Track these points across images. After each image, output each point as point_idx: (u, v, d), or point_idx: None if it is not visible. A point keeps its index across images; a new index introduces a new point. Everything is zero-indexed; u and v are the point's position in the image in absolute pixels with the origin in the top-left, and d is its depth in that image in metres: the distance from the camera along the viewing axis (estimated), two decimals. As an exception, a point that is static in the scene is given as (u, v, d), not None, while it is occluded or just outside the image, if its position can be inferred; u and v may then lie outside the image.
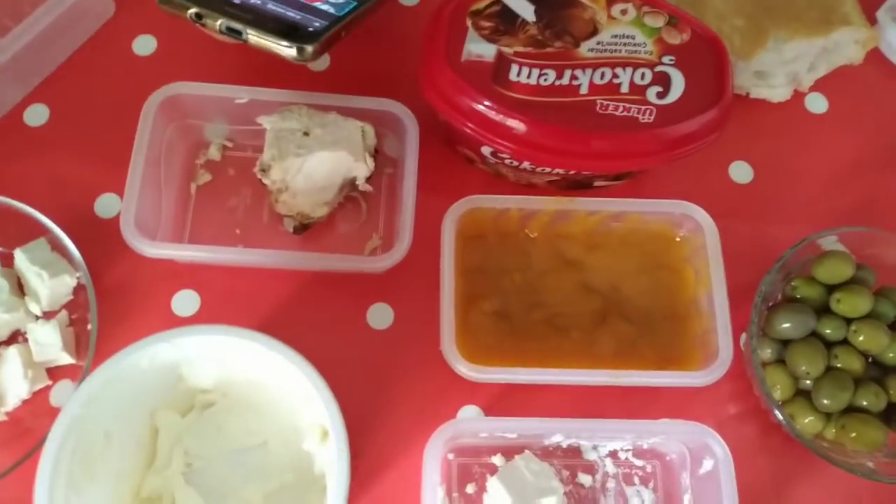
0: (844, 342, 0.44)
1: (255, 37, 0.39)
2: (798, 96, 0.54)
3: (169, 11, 0.40)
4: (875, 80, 0.55)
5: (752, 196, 0.51)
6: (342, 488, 0.35)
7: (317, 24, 0.41)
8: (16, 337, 0.44)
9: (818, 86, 0.54)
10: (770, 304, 0.46)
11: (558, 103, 0.42)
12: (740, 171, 0.52)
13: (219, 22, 0.39)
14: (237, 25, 0.39)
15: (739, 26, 0.48)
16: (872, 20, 0.54)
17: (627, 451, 0.44)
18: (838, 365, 0.43)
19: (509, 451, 0.43)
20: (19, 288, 0.44)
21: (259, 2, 0.41)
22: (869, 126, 0.54)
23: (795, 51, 0.48)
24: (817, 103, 0.54)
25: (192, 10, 0.39)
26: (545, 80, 0.42)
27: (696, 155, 0.48)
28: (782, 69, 0.50)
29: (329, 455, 0.36)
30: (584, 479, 0.43)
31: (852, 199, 0.52)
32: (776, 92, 0.51)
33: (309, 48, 0.39)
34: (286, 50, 0.39)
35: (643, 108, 0.42)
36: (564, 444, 0.43)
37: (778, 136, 0.53)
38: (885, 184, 0.52)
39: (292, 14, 0.41)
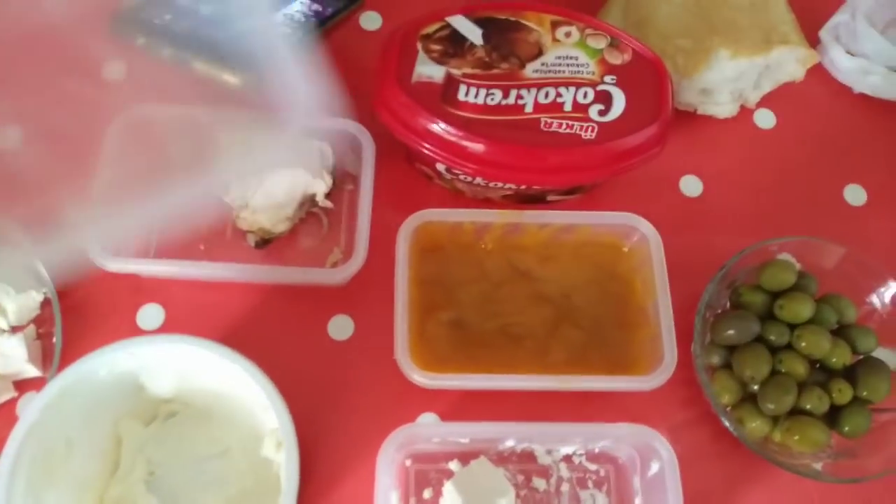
0: (789, 347, 0.45)
1: (203, 66, 0.41)
2: (747, 112, 0.56)
3: (120, 38, 0.42)
4: (820, 95, 0.57)
5: (702, 209, 0.53)
6: (292, 492, 0.36)
7: None
8: (-16, 351, 0.45)
9: (766, 102, 0.56)
10: (718, 311, 0.48)
11: (504, 121, 0.44)
12: (690, 185, 0.54)
13: (166, 52, 0.41)
14: (184, 55, 0.41)
15: (683, 46, 0.50)
16: (814, 39, 0.57)
17: (581, 455, 0.45)
18: (783, 370, 0.45)
19: (465, 458, 0.44)
20: (-12, 303, 0.46)
21: (208, 33, 0.43)
22: (815, 139, 0.56)
23: (738, 69, 0.51)
24: (765, 119, 0.56)
25: (140, 41, 0.41)
26: (492, 99, 0.44)
27: (646, 169, 0.50)
28: (727, 87, 0.52)
29: (282, 458, 0.37)
30: (539, 483, 0.45)
31: (799, 210, 0.53)
32: (722, 108, 0.53)
33: (252, 75, 0.40)
34: (230, 79, 0.40)
35: (585, 125, 0.44)
36: (518, 449, 0.44)
37: (727, 150, 0.55)
38: (830, 195, 0.54)
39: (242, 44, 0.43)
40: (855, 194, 0.54)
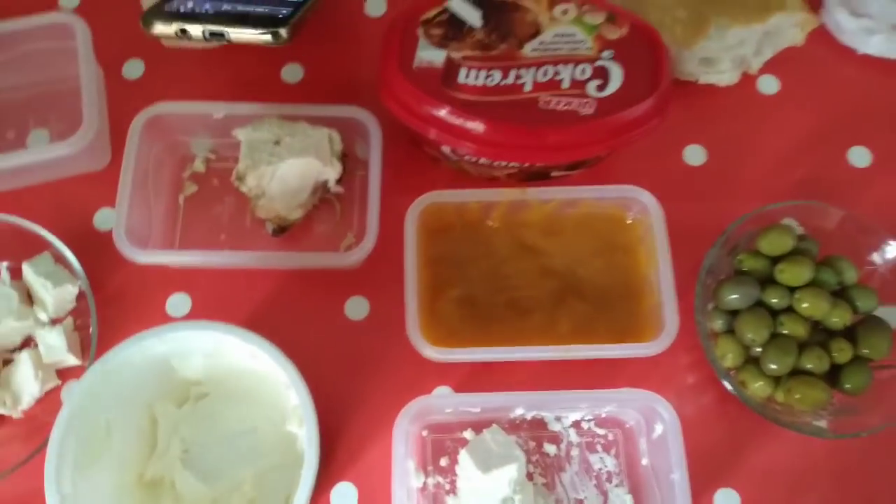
0: (790, 310, 0.47)
1: (236, 34, 0.44)
2: (750, 79, 0.56)
3: (155, 33, 0.45)
4: (824, 58, 0.57)
5: (706, 177, 0.54)
6: (312, 464, 0.38)
7: (284, 12, 0.46)
8: (27, 342, 0.48)
9: (769, 68, 0.56)
10: (720, 277, 0.49)
11: (504, 101, 0.45)
12: (694, 154, 0.54)
13: (201, 30, 0.44)
14: (218, 29, 0.44)
15: (681, 17, 0.51)
16: (817, 2, 0.57)
17: (589, 420, 0.47)
18: (784, 331, 0.46)
19: (478, 427, 0.46)
20: (28, 298, 0.49)
21: (229, 7, 0.46)
22: (820, 104, 0.56)
23: (737, 37, 0.51)
24: (769, 85, 0.57)
25: (174, 28, 0.45)
26: (491, 80, 0.45)
27: (649, 141, 0.51)
28: (727, 55, 0.52)
29: (304, 435, 0.40)
30: (550, 448, 0.47)
31: (803, 175, 0.54)
32: (723, 77, 0.53)
33: (282, 31, 0.44)
34: (263, 37, 0.44)
35: (583, 101, 0.45)
36: (528, 417, 0.47)
37: (731, 118, 0.56)
38: (835, 158, 0.55)
39: (261, 9, 0.46)
40: (860, 156, 0.55)
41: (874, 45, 0.55)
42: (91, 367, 0.40)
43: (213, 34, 0.45)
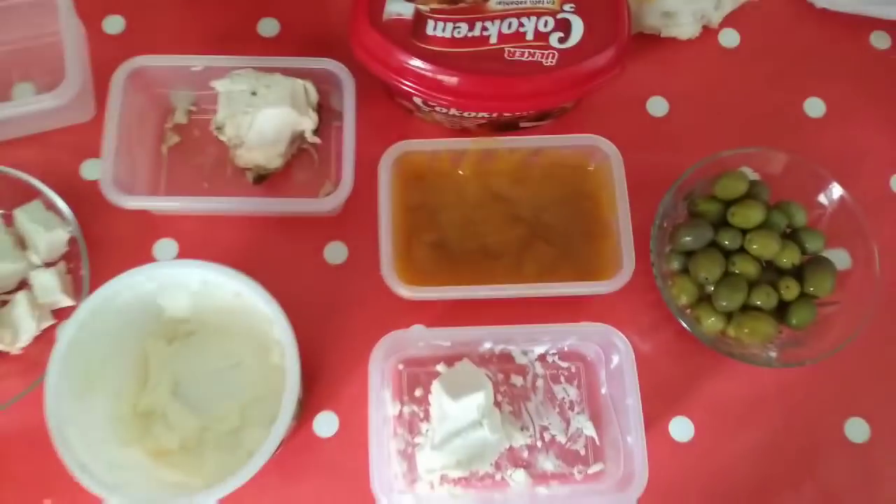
0: (741, 250, 0.50)
1: None
2: (711, 33, 0.59)
3: None
4: (783, 13, 0.60)
5: (668, 128, 0.57)
6: (293, 389, 0.42)
7: None
8: (22, 285, 0.51)
9: (729, 22, 0.59)
10: (677, 221, 0.52)
11: (471, 53, 0.47)
12: (657, 105, 0.57)
13: None
14: None
15: (642, -29, 0.53)
16: (777, -43, 0.59)
17: (553, 354, 0.50)
18: (735, 271, 0.49)
19: (450, 361, 0.49)
20: (21, 243, 0.51)
21: None
22: (778, 56, 0.59)
23: (696, -10, 0.53)
24: (730, 38, 0.59)
25: None
26: (458, 32, 0.48)
27: (613, 93, 0.54)
28: (687, 8, 0.54)
29: (286, 364, 0.43)
30: (517, 379, 0.50)
31: (761, 125, 0.57)
32: (684, 30, 0.56)
33: None
34: None
35: (546, 52, 0.47)
36: (497, 351, 0.50)
37: (692, 71, 0.58)
38: (791, 108, 0.57)
39: None
40: (815, 107, 0.57)
41: (831, -1, 0.58)
42: (84, 301, 0.42)
43: None
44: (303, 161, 0.55)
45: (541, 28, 0.48)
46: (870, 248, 0.49)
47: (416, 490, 0.47)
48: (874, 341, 0.50)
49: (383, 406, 0.46)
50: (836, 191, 0.50)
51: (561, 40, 0.47)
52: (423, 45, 0.47)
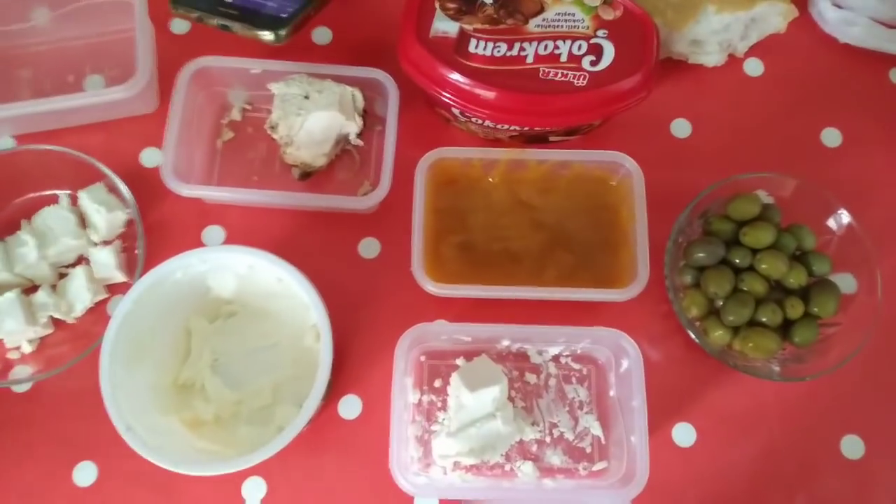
0: (751, 269, 0.53)
1: (241, 30, 0.53)
2: (737, 61, 0.62)
3: (178, 13, 0.54)
4: (807, 45, 0.62)
5: (689, 149, 0.59)
6: (326, 369, 0.45)
7: (289, 10, 0.53)
8: (81, 260, 0.55)
9: (755, 52, 0.62)
10: (692, 238, 0.55)
11: (508, 71, 0.51)
12: (680, 127, 0.60)
13: (216, 21, 0.53)
14: (226, 23, 0.53)
15: (672, 1, 0.56)
16: (803, -8, 0.62)
17: (567, 356, 0.54)
18: (744, 288, 0.52)
19: (469, 355, 0.53)
20: (82, 222, 0.56)
21: (242, 2, 0.54)
22: (800, 87, 0.61)
23: (723, 22, 0.56)
24: (754, 67, 0.62)
25: (195, 15, 0.54)
26: (498, 51, 0.51)
27: (639, 114, 0.57)
28: (714, 38, 0.58)
29: (320, 346, 0.47)
30: (531, 377, 0.53)
31: (778, 152, 0.59)
32: (711, 58, 0.59)
33: (282, 33, 0.52)
34: (266, 37, 0.52)
35: (578, 73, 0.51)
36: (514, 349, 0.53)
37: (716, 96, 0.61)
38: (809, 137, 0.60)
39: (271, 4, 0.53)
40: (831, 137, 0.60)
41: (854, 35, 0.60)
42: (142, 277, 0.47)
43: (223, 26, 0.53)
44: (345, 162, 0.59)
45: (574, 51, 0.51)
46: (874, 274, 0.51)
47: (430, 474, 0.50)
48: (872, 362, 0.53)
49: (405, 393, 0.50)
50: (845, 217, 0.53)
51: (592, 63, 0.51)
52: (464, 62, 0.51)
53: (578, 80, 0.51)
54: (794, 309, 0.52)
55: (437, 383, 0.53)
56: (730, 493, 0.52)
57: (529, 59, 0.51)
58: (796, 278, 0.52)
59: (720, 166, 0.58)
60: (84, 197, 0.55)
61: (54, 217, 0.54)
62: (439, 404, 0.52)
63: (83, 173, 0.55)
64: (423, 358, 0.54)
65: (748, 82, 0.62)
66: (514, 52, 0.51)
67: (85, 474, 0.51)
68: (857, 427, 0.53)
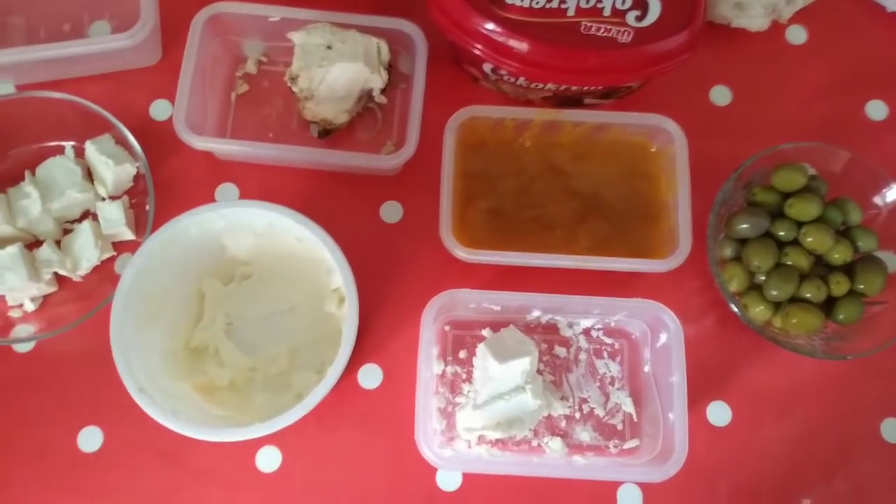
0: (795, 243, 0.50)
1: None
2: (779, 27, 0.59)
3: None
4: (854, 13, 0.59)
5: (729, 117, 0.57)
6: (351, 337, 0.43)
7: None
8: (87, 215, 0.52)
9: (799, 18, 0.59)
10: (733, 209, 0.52)
11: (548, 24, 0.48)
12: (720, 94, 0.57)
13: None
14: None
15: (720, -41, 0.53)
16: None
17: (598, 329, 0.51)
18: (788, 262, 0.50)
19: (497, 326, 0.50)
20: (89, 176, 0.52)
21: None
22: (844, 56, 0.59)
23: (770, -17, 0.53)
24: (797, 34, 0.59)
25: None
26: (537, 2, 0.48)
27: (678, 78, 0.54)
28: (759, 1, 0.55)
29: (345, 313, 0.44)
30: (560, 350, 0.51)
31: (821, 122, 0.57)
32: (754, 22, 0.56)
33: None
34: None
35: (622, 29, 0.48)
36: (543, 320, 0.51)
37: (759, 63, 0.58)
38: (853, 109, 0.57)
39: None
40: (877, 109, 0.57)
41: (904, 3, 0.57)
42: (155, 232, 0.44)
43: None
44: (366, 120, 0.55)
45: (619, 5, 0.48)
46: (923, 251, 0.49)
47: (453, 447, 0.48)
48: (919, 343, 0.51)
49: (430, 362, 0.47)
50: (894, 193, 0.50)
51: (637, 18, 0.48)
52: (500, 12, 0.48)
53: (622, 35, 0.48)
54: (840, 285, 0.49)
55: (462, 354, 0.51)
56: (765, 474, 0.50)
57: (570, 12, 0.48)
58: (842, 254, 0.50)
59: (760, 136, 0.55)
60: (91, 148, 0.51)
61: (59, 168, 0.51)
62: (464, 376, 0.50)
63: (90, 123, 0.51)
64: (447, 328, 0.51)
65: (791, 49, 0.59)
66: (555, 3, 0.48)
67: (90, 440, 0.48)
68: (899, 410, 0.51)
